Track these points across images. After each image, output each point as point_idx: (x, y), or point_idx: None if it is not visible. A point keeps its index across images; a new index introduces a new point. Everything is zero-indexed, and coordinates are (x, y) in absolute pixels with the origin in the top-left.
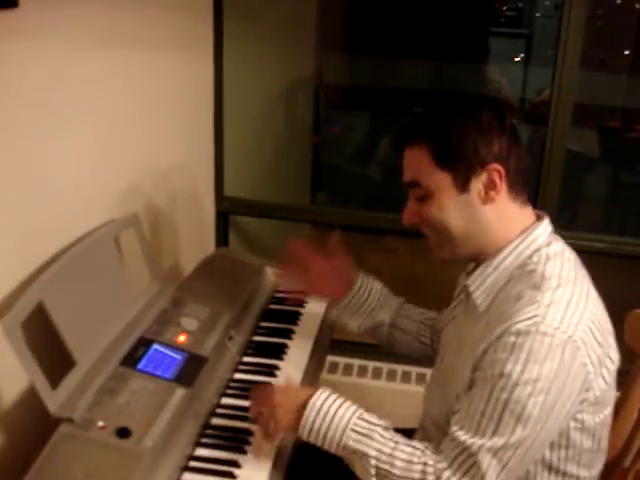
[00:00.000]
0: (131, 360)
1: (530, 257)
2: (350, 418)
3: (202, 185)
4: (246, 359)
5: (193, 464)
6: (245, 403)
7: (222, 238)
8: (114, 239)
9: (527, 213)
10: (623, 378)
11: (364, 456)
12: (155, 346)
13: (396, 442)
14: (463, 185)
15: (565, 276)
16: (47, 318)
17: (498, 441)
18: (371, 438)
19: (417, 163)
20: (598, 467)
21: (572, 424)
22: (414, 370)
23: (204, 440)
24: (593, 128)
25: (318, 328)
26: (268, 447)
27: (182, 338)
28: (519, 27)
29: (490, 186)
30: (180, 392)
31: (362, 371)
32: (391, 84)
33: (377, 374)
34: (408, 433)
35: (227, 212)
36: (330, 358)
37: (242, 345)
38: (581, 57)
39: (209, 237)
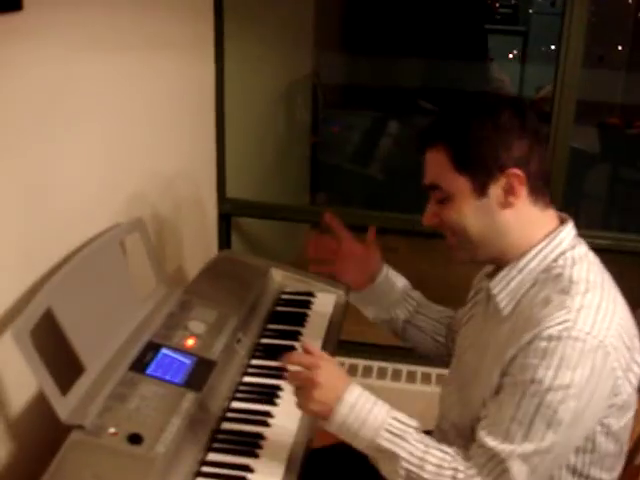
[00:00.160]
0: (140, 365)
1: (555, 260)
2: (385, 417)
3: (204, 187)
4: (255, 362)
5: (205, 469)
6: (256, 407)
7: (225, 240)
8: (119, 243)
9: (549, 216)
10: None
11: (395, 457)
12: (164, 350)
13: (427, 445)
14: (482, 190)
15: (593, 280)
16: (55, 324)
17: (528, 447)
18: (404, 439)
19: (437, 166)
20: (618, 470)
21: (598, 429)
22: (419, 370)
23: (216, 445)
24: (593, 125)
25: (325, 330)
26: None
27: (190, 342)
28: (515, 24)
29: (509, 191)
30: (190, 397)
31: (367, 371)
32: (389, 83)
33: (382, 374)
34: None
35: (229, 214)
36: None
37: (250, 348)
38: None
39: (211, 239)
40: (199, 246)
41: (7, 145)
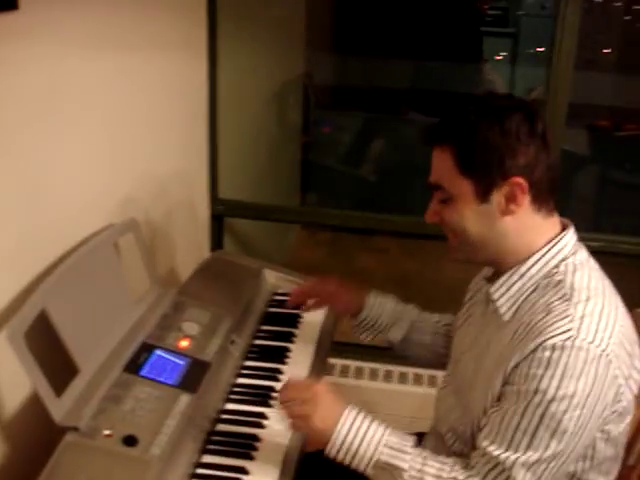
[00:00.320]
0: (134, 366)
1: (557, 267)
2: (382, 435)
3: (196, 188)
4: (249, 363)
5: (200, 471)
6: (250, 408)
7: (217, 241)
8: (113, 244)
9: (552, 223)
10: None
11: (397, 470)
12: (158, 352)
13: (424, 457)
14: (484, 195)
15: (594, 287)
16: (49, 325)
17: (532, 455)
18: (404, 452)
19: (442, 166)
20: (614, 474)
21: (599, 435)
22: (411, 371)
23: (210, 447)
24: (583, 127)
25: (319, 331)
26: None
27: (184, 343)
28: (505, 26)
29: (511, 199)
30: (185, 398)
31: (359, 373)
32: (380, 84)
33: (374, 375)
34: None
35: (222, 215)
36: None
37: (244, 349)
38: None
39: (204, 240)
40: (191, 247)
41: (0, 145)
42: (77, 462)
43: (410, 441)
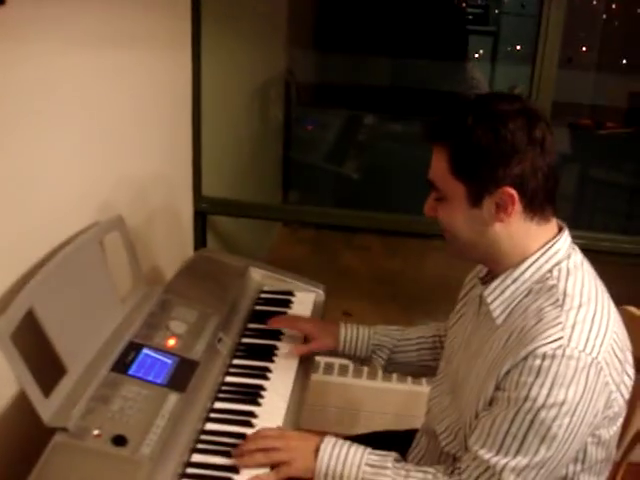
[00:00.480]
0: (122, 366)
1: (550, 271)
2: (362, 455)
3: (180, 185)
4: (237, 362)
5: (190, 471)
6: (239, 407)
7: (200, 238)
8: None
9: (547, 228)
10: None
11: None
12: (145, 351)
13: (407, 470)
14: (475, 200)
15: (587, 293)
16: (36, 325)
17: (522, 460)
18: (385, 468)
19: (438, 165)
20: (606, 474)
21: (590, 439)
22: None
23: (200, 446)
24: (565, 126)
25: None
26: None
27: (172, 342)
28: (486, 24)
29: (501, 208)
30: (173, 397)
31: (343, 370)
32: (362, 81)
33: (358, 373)
34: (395, 434)
35: (205, 212)
36: None
37: (232, 348)
38: None
39: (187, 237)
40: (174, 244)
41: None
42: (67, 463)
43: (391, 456)
